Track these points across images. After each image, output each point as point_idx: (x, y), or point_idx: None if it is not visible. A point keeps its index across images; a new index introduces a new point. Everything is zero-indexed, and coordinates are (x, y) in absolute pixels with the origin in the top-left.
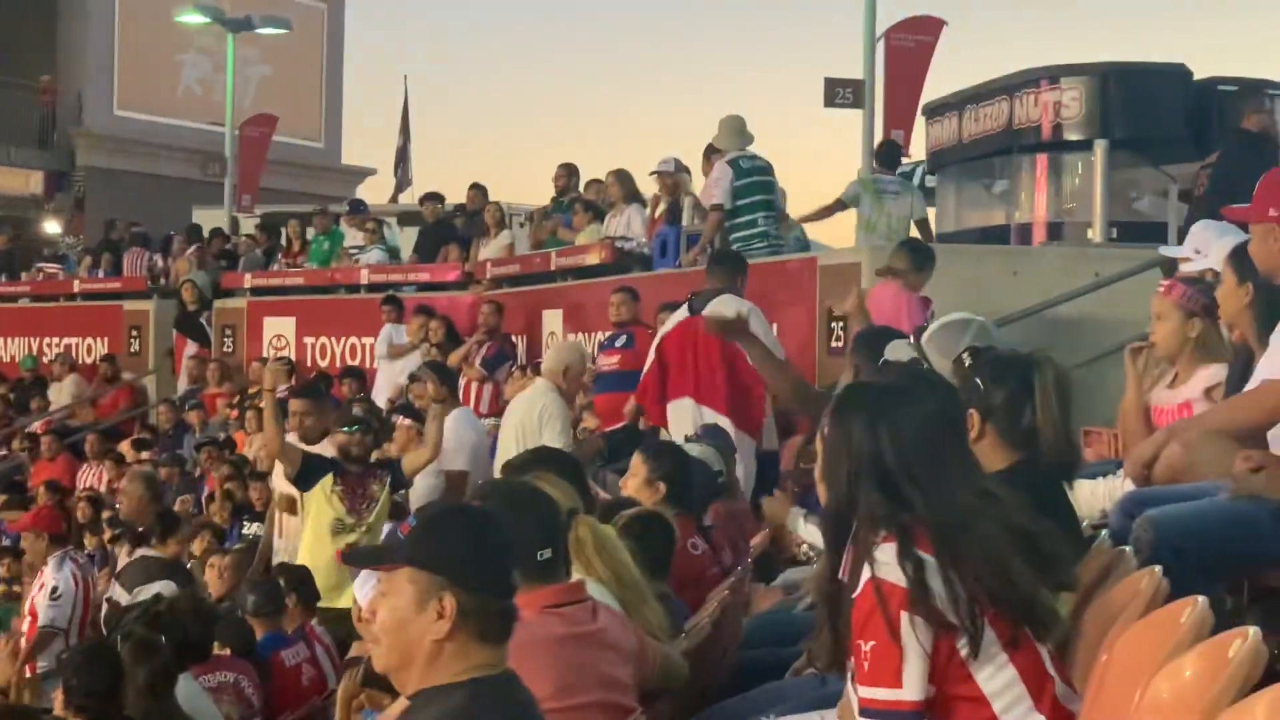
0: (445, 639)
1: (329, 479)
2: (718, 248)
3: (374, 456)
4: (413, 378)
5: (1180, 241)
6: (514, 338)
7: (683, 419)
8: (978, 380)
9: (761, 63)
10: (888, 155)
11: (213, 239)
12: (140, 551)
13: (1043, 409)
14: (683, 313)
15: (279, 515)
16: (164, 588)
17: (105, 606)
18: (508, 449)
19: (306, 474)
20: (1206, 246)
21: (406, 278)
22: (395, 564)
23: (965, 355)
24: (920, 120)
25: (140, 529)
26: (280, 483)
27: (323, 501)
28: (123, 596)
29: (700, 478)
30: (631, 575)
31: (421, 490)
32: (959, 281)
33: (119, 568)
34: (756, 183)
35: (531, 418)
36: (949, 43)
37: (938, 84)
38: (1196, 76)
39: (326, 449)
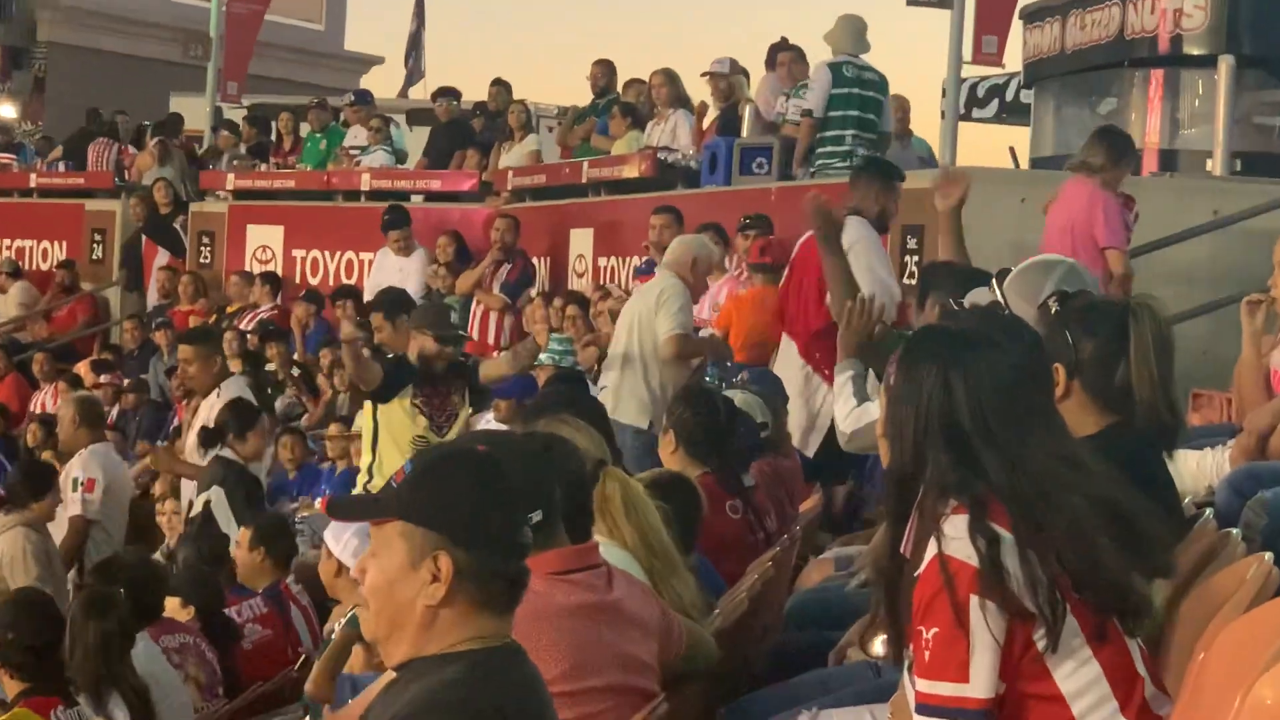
0: (440, 604)
1: (409, 391)
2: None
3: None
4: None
5: None
6: (534, 259)
7: (787, 354)
8: (1066, 330)
9: None
10: None
11: (214, 129)
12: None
13: (1139, 365)
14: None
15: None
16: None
17: None
18: (619, 340)
19: (385, 387)
20: None
21: (414, 185)
22: (386, 517)
23: (1052, 301)
24: (1017, 25)
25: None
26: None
27: (403, 416)
28: None
29: (741, 430)
30: (662, 542)
31: None
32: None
33: None
34: (855, 96)
35: (649, 303)
36: None
37: None
38: None
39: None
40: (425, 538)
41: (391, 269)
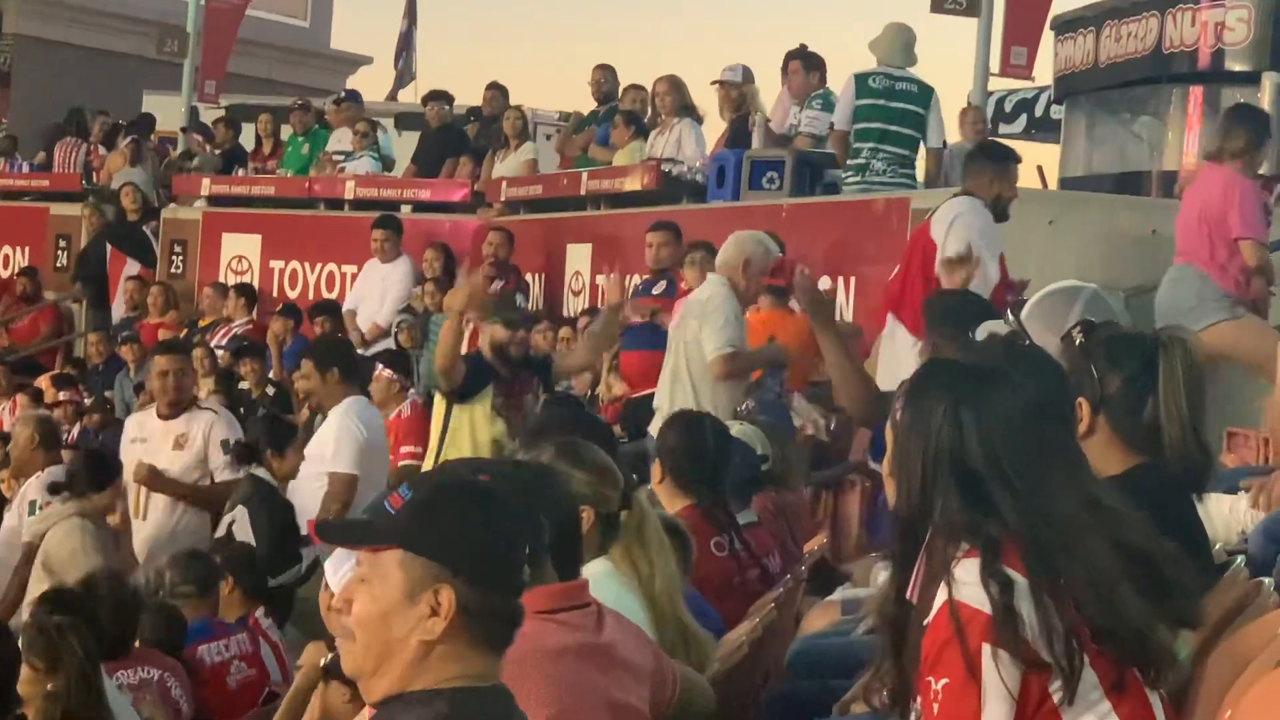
0: (436, 640)
1: (490, 391)
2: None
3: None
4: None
5: None
6: (527, 275)
7: (896, 335)
8: (1090, 363)
9: None
10: None
11: (184, 132)
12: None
13: (1168, 402)
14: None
15: (136, 492)
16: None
17: None
18: (669, 356)
19: (466, 385)
20: None
21: (402, 194)
22: (385, 544)
23: (1076, 331)
24: (1048, 36)
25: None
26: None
27: (483, 419)
28: None
29: (738, 461)
30: (673, 581)
31: (306, 492)
32: (1084, 238)
33: None
34: (880, 108)
35: (695, 314)
36: None
37: None
38: None
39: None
40: (426, 569)
41: (375, 278)
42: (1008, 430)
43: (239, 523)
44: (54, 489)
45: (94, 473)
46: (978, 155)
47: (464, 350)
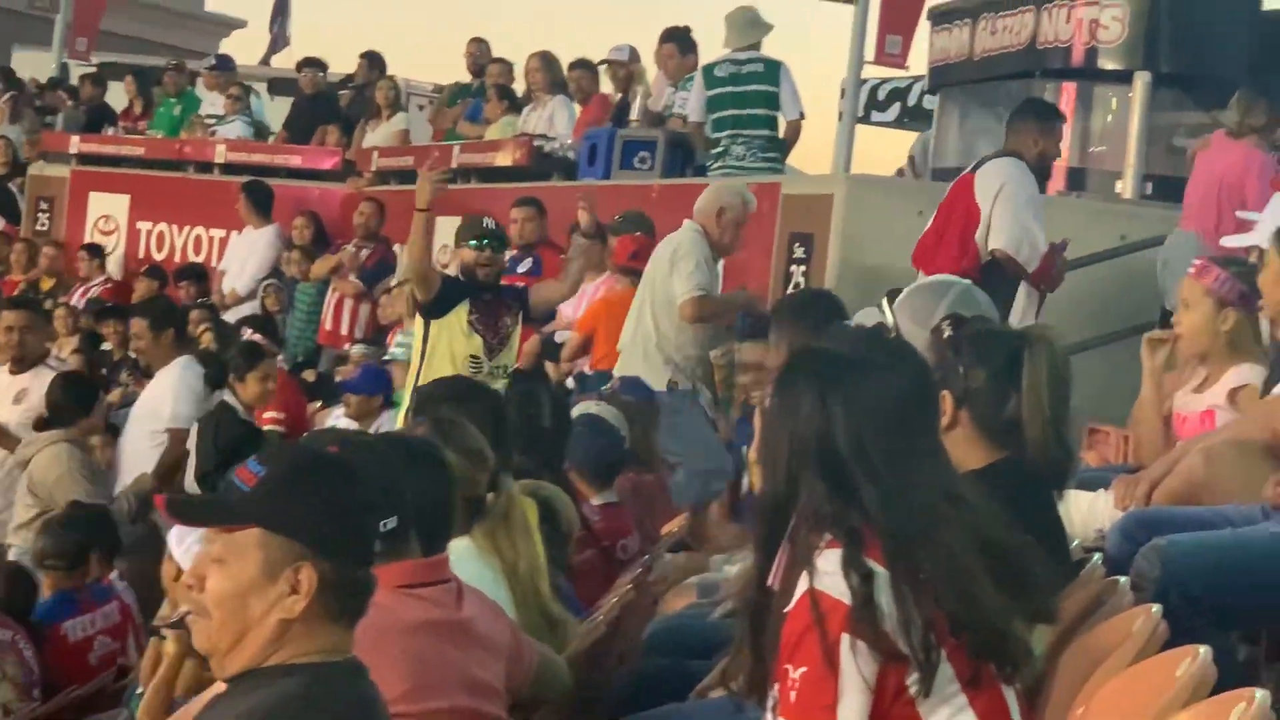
0: (295, 618)
1: (464, 306)
2: None
3: None
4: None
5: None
6: (396, 246)
7: None
8: (957, 357)
9: None
10: None
11: (44, 88)
12: None
13: (1030, 399)
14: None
15: None
16: None
17: None
18: (636, 299)
19: (441, 299)
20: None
21: (272, 160)
22: (242, 524)
23: (945, 325)
24: (924, 27)
25: None
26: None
27: (458, 333)
28: None
29: (603, 442)
30: (538, 564)
31: (135, 450)
32: None
33: None
34: (729, 95)
35: (664, 261)
36: None
37: None
38: (1267, 6)
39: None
40: (286, 548)
41: (241, 242)
42: (875, 421)
43: (190, 435)
44: (38, 425)
45: (74, 398)
46: (1023, 113)
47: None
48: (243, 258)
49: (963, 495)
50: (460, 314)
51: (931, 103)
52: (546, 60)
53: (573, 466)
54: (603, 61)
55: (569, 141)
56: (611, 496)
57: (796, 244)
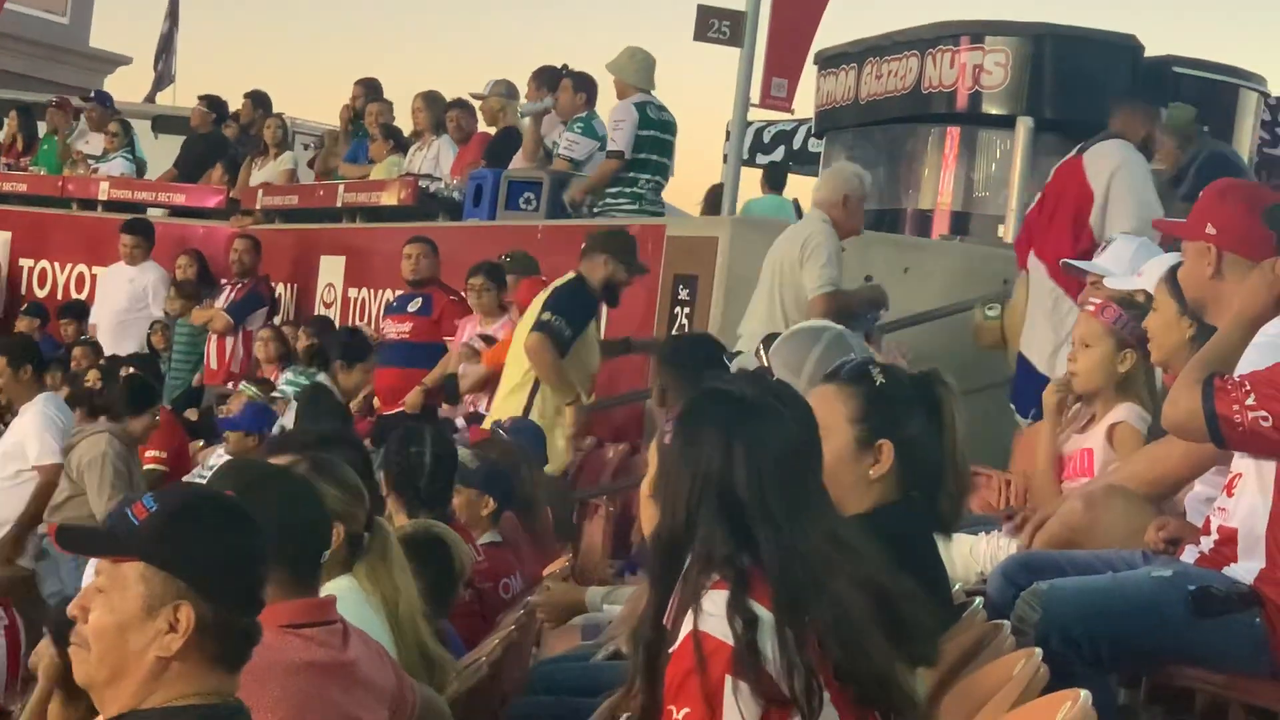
0: (173, 657)
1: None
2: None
3: None
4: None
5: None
6: (279, 285)
7: (1035, 275)
8: (893, 405)
9: None
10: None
11: None
12: None
13: (950, 442)
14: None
15: None
16: None
17: None
18: (762, 287)
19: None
20: (1124, 265)
21: (156, 198)
22: (126, 556)
23: (876, 372)
24: (811, 71)
25: None
26: None
27: (591, 346)
28: None
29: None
30: (416, 603)
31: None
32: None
33: None
34: (659, 140)
35: (794, 251)
36: None
37: (838, 29)
38: (1149, 53)
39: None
40: (167, 584)
41: (122, 279)
42: (774, 465)
43: (288, 415)
44: (92, 410)
45: (132, 399)
46: (1130, 96)
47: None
48: (125, 294)
49: (849, 540)
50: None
51: (817, 145)
52: (430, 99)
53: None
54: (475, 95)
55: (454, 182)
56: (495, 536)
57: (681, 286)
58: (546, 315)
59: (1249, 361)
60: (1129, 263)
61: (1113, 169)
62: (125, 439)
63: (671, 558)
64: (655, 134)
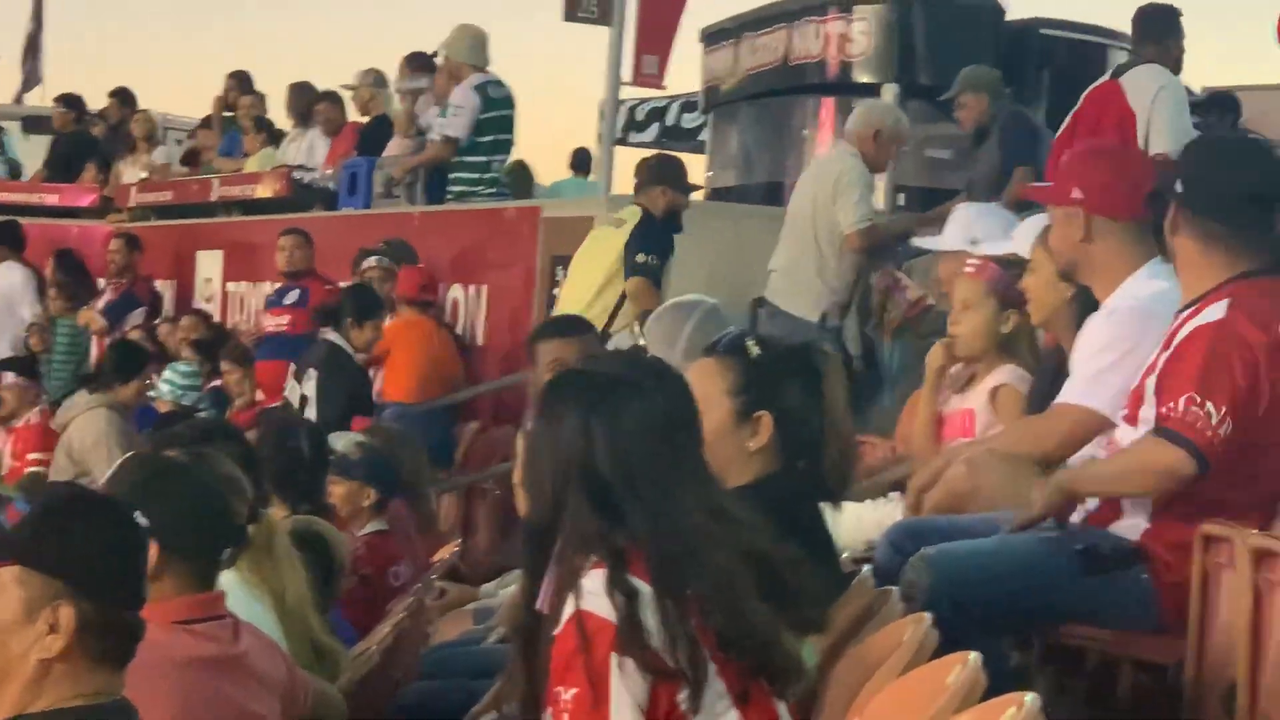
0: (56, 658)
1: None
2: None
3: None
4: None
5: None
6: (158, 282)
7: None
8: (768, 376)
9: None
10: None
11: None
12: None
13: (833, 413)
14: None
15: None
16: None
17: None
18: (794, 221)
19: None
20: (996, 230)
21: (29, 199)
22: (1, 560)
23: (752, 345)
24: (695, 49)
25: None
26: None
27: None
28: None
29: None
30: (304, 594)
31: None
32: (719, 247)
33: None
34: (503, 118)
35: (827, 186)
36: None
37: (722, 4)
38: (1017, 16)
39: None
40: (45, 586)
41: None
42: (638, 441)
43: (309, 382)
44: (83, 380)
45: (122, 365)
46: (1157, 20)
47: None
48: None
49: (729, 511)
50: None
51: (689, 121)
52: (298, 92)
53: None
54: (346, 86)
55: (329, 172)
56: (381, 525)
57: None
58: (641, 257)
59: (1110, 335)
60: (975, 229)
61: (1155, 91)
62: (120, 409)
63: (542, 542)
64: (499, 113)
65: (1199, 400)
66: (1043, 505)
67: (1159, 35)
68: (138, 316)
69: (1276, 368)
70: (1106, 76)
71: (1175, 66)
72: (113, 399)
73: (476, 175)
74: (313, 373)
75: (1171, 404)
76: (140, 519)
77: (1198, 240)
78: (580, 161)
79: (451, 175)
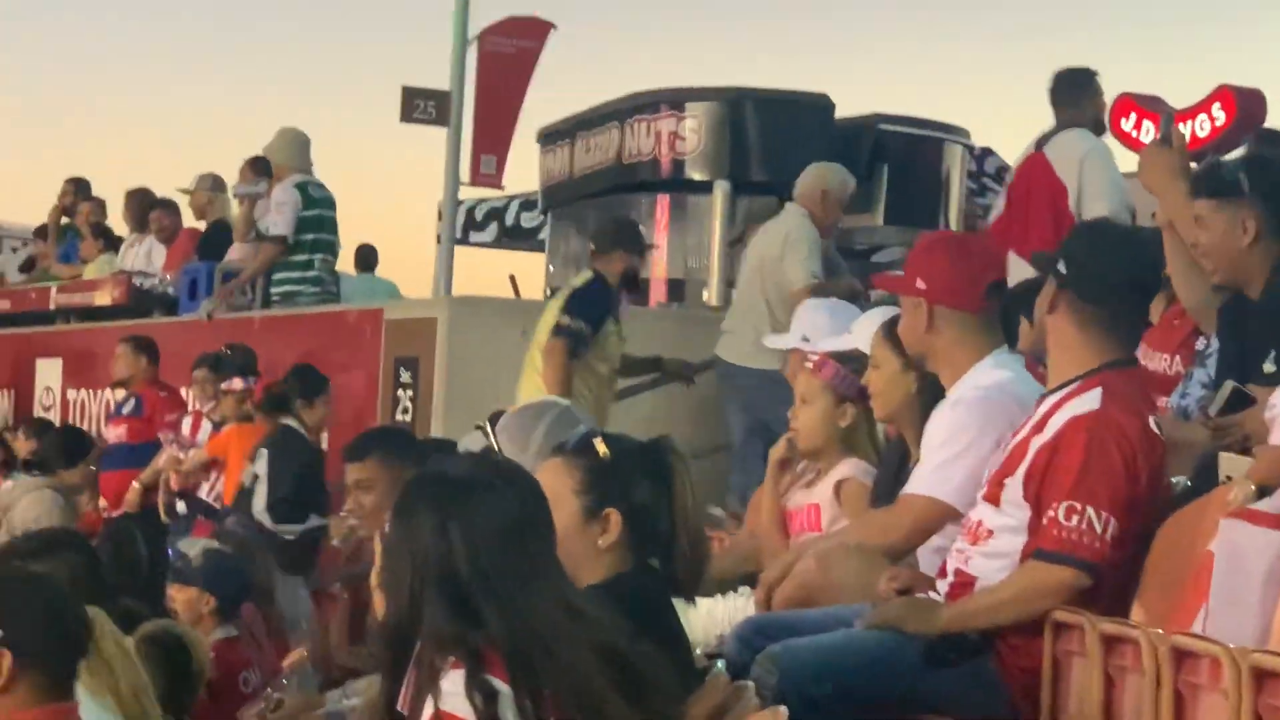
0: None
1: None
2: None
3: None
4: None
5: None
6: None
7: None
8: (618, 475)
9: (331, 66)
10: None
11: None
12: None
13: (680, 509)
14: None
15: None
16: None
17: None
18: (743, 282)
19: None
20: (833, 325)
21: None
22: None
23: (600, 444)
24: (532, 149)
25: None
26: None
27: (615, 341)
28: None
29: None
30: (140, 684)
31: None
32: None
33: None
34: (324, 218)
35: (775, 244)
36: (575, 56)
37: (561, 104)
38: (855, 112)
39: None
40: None
41: None
42: (492, 541)
43: (259, 461)
44: (27, 466)
45: (66, 449)
46: (1071, 84)
47: None
48: None
49: (583, 609)
50: (609, 327)
51: (529, 220)
52: (139, 197)
53: None
54: (182, 190)
55: (167, 278)
56: (230, 631)
57: (402, 368)
58: (565, 320)
59: (954, 425)
60: (808, 326)
61: (1081, 156)
62: (64, 490)
63: (401, 644)
64: (320, 213)
65: (1079, 508)
66: (914, 628)
67: (1075, 99)
68: None
69: (1149, 455)
70: (1031, 148)
71: (1096, 127)
72: (56, 482)
73: (299, 274)
74: (264, 452)
75: (1051, 514)
76: None
77: (1075, 323)
78: (365, 259)
79: (276, 275)
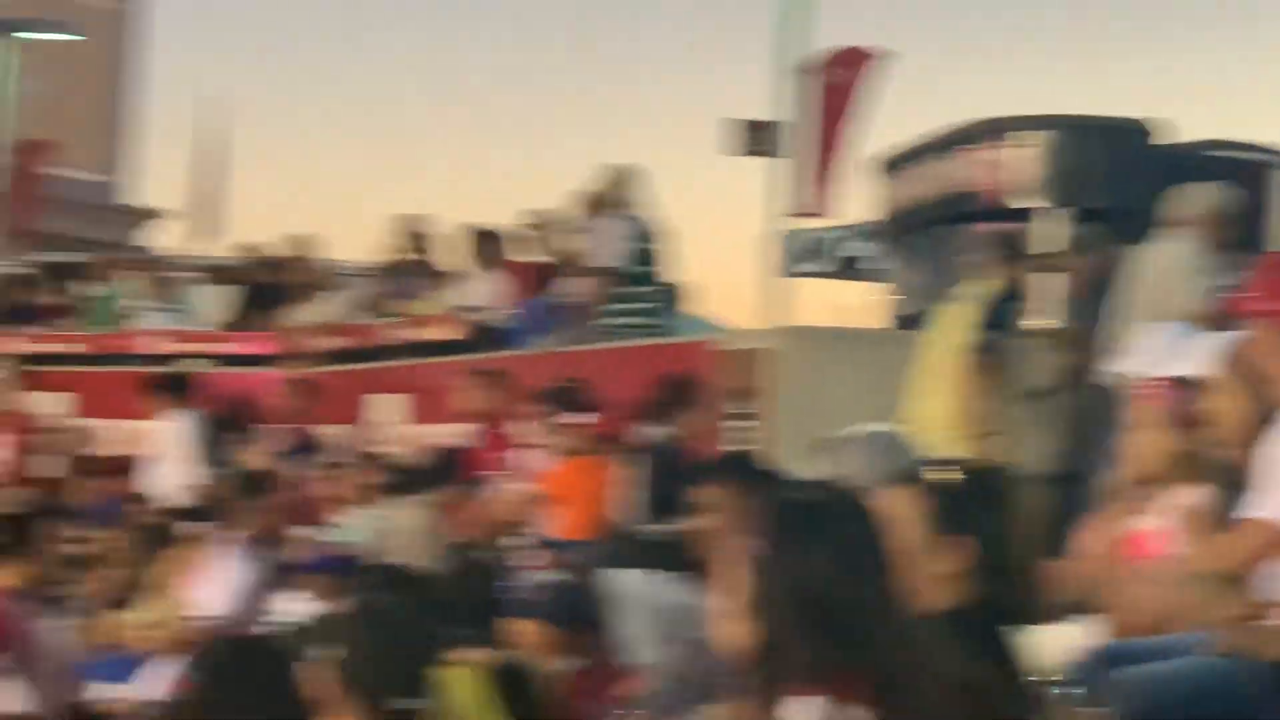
0: None
1: None
2: None
3: None
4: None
5: None
6: (332, 426)
7: None
8: (966, 506)
9: (655, 100)
10: None
11: None
12: None
13: (1017, 537)
14: None
15: None
16: None
17: None
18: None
19: None
20: (1163, 352)
21: (207, 348)
22: None
23: (943, 474)
24: (866, 178)
25: None
26: None
27: None
28: None
29: None
30: None
31: None
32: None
33: None
34: (653, 251)
35: (1174, 271)
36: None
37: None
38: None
39: None
40: None
41: (169, 434)
42: (854, 570)
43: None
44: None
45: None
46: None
47: None
48: (173, 446)
49: (936, 638)
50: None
51: (859, 249)
52: (479, 233)
53: None
54: (525, 225)
55: (503, 311)
56: (576, 662)
57: (738, 398)
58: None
59: None
60: (1152, 352)
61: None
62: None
63: (769, 669)
64: (650, 246)
65: None
66: (1269, 654)
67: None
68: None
69: None
70: None
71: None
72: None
73: (633, 306)
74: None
75: None
76: None
77: None
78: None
79: (607, 308)
